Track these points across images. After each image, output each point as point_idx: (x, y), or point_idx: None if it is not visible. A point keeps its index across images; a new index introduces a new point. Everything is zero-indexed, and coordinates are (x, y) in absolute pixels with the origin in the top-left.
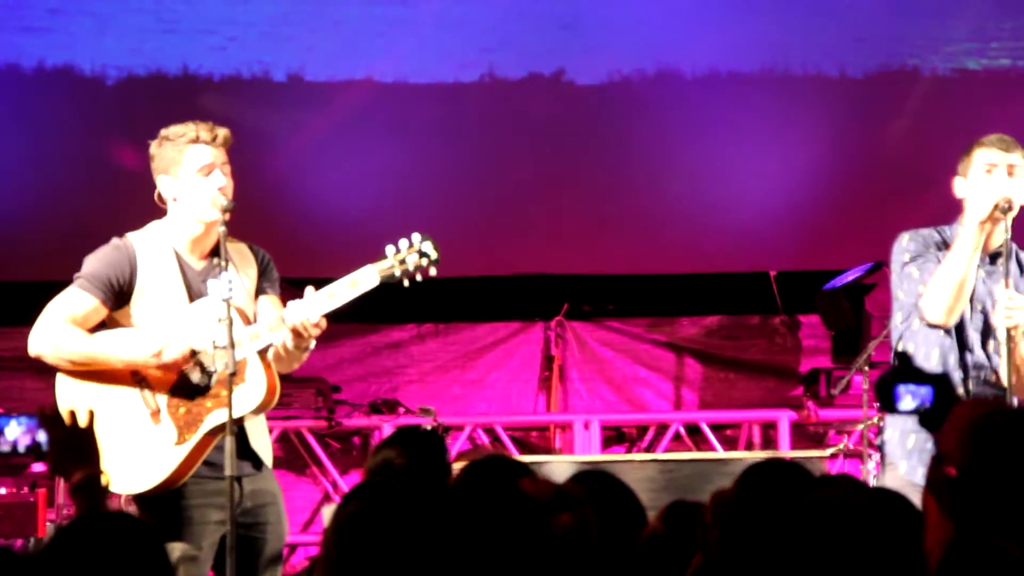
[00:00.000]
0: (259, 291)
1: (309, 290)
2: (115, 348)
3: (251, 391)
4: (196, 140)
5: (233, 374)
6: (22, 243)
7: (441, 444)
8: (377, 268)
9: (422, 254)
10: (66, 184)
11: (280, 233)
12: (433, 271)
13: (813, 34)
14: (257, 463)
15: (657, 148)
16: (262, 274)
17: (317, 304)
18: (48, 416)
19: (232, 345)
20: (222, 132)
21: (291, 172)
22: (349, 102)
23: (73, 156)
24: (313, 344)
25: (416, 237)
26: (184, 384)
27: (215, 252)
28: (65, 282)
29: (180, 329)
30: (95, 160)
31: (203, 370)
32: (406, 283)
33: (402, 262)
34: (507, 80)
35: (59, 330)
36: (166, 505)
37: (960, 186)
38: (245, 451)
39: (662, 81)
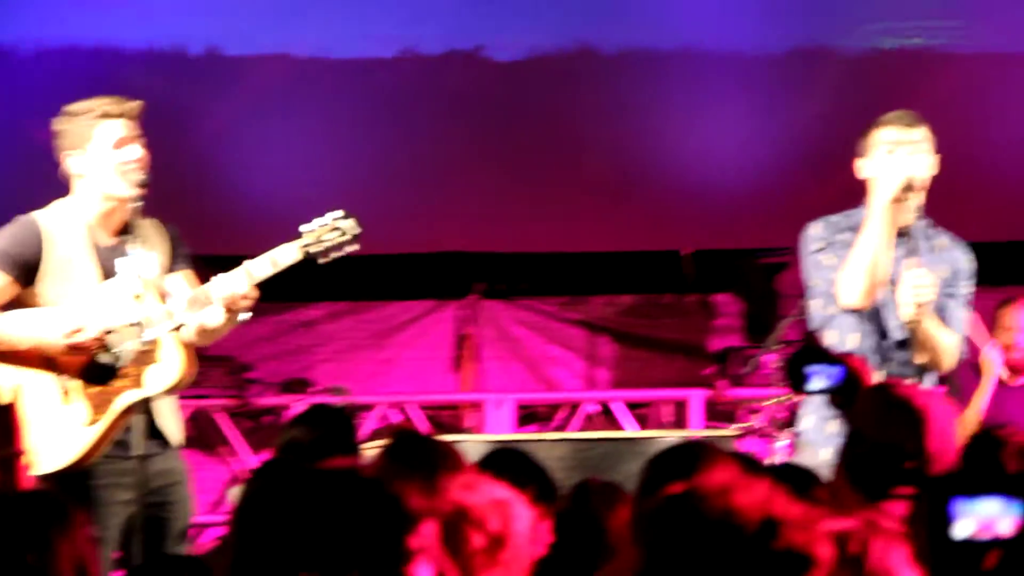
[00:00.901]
0: (170, 267)
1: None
2: (25, 329)
3: (165, 371)
4: (107, 115)
5: (146, 353)
6: None
7: (349, 423)
8: (298, 245)
9: (341, 232)
10: None
11: (199, 210)
12: (352, 248)
13: (729, 12)
14: (164, 442)
15: (574, 125)
16: (173, 249)
17: (240, 279)
18: None
19: (145, 324)
20: (132, 104)
21: (209, 148)
22: (266, 77)
23: None
24: (246, 316)
25: (336, 214)
26: (96, 364)
27: (126, 229)
28: None
29: (91, 309)
30: (7, 134)
31: (116, 350)
32: (324, 259)
33: (321, 240)
34: (426, 56)
35: None
36: (75, 485)
37: (863, 167)
38: (154, 430)
39: (580, 58)
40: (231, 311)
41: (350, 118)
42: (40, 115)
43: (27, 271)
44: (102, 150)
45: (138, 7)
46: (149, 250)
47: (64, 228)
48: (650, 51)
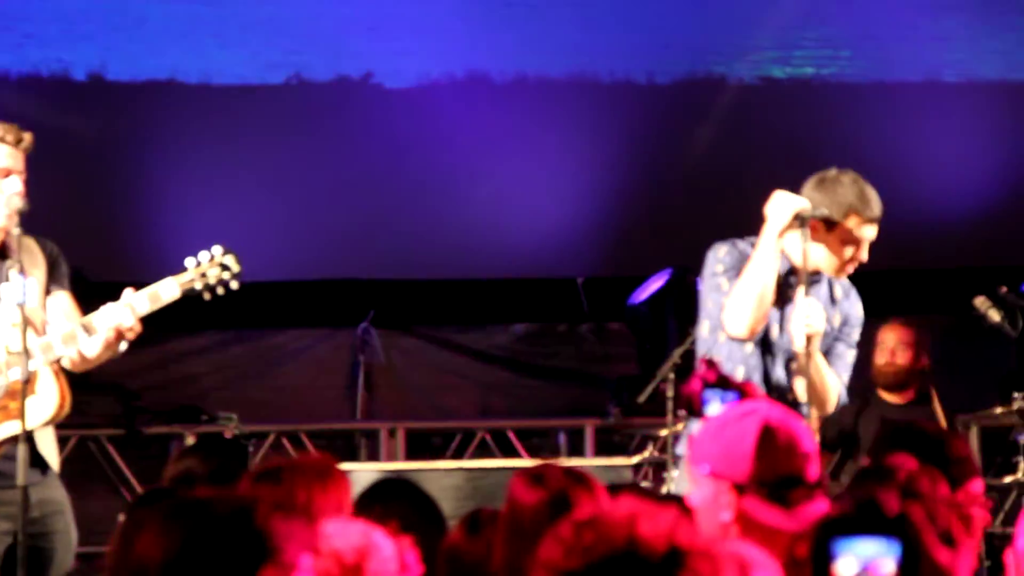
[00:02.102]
0: (48, 288)
1: (127, 292)
2: None
3: (42, 403)
4: (13, 144)
5: (26, 383)
6: None
7: (244, 452)
8: (178, 281)
9: (224, 267)
10: None
11: (82, 237)
12: (234, 284)
13: (621, 40)
14: (44, 469)
15: (466, 152)
16: (51, 269)
17: (122, 312)
18: None
19: (27, 352)
20: (27, 137)
21: (93, 174)
22: (152, 103)
23: None
24: (124, 347)
25: (217, 250)
26: None
27: (2, 252)
28: None
29: None
30: None
31: None
32: (207, 296)
33: (203, 275)
34: (314, 82)
35: None
36: None
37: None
38: (34, 458)
39: (471, 85)
40: (112, 343)
41: (238, 144)
42: None
43: None
44: None
45: (19, 30)
46: (29, 274)
47: None
48: (540, 78)
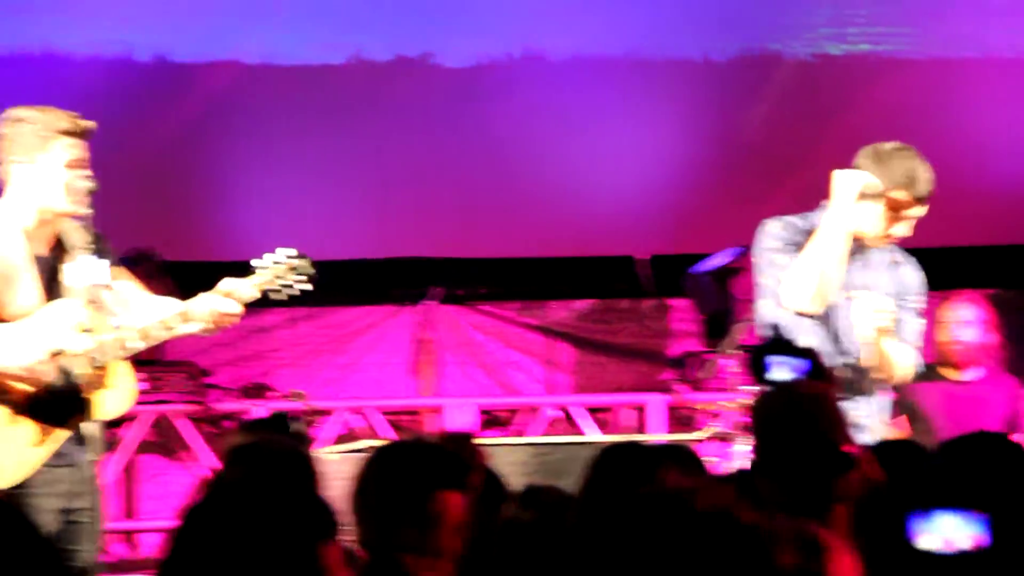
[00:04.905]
0: None
1: (224, 282)
2: None
3: (117, 398)
4: (67, 132)
5: (101, 368)
6: None
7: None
8: (252, 283)
9: (296, 270)
10: None
11: (149, 218)
12: (307, 287)
13: (677, 18)
14: (85, 451)
15: (525, 131)
16: (101, 253)
17: (228, 303)
18: None
19: (96, 350)
20: (91, 125)
21: (157, 154)
22: (214, 84)
23: None
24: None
25: (290, 252)
26: (46, 385)
27: (58, 239)
28: None
29: (40, 329)
30: None
31: (66, 372)
32: (276, 296)
33: (276, 277)
34: (374, 62)
35: None
36: (9, 496)
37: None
38: (78, 440)
39: (528, 64)
40: (210, 331)
41: (300, 125)
42: None
43: None
44: (54, 166)
45: (85, 14)
46: (99, 257)
47: (3, 235)
48: (597, 57)
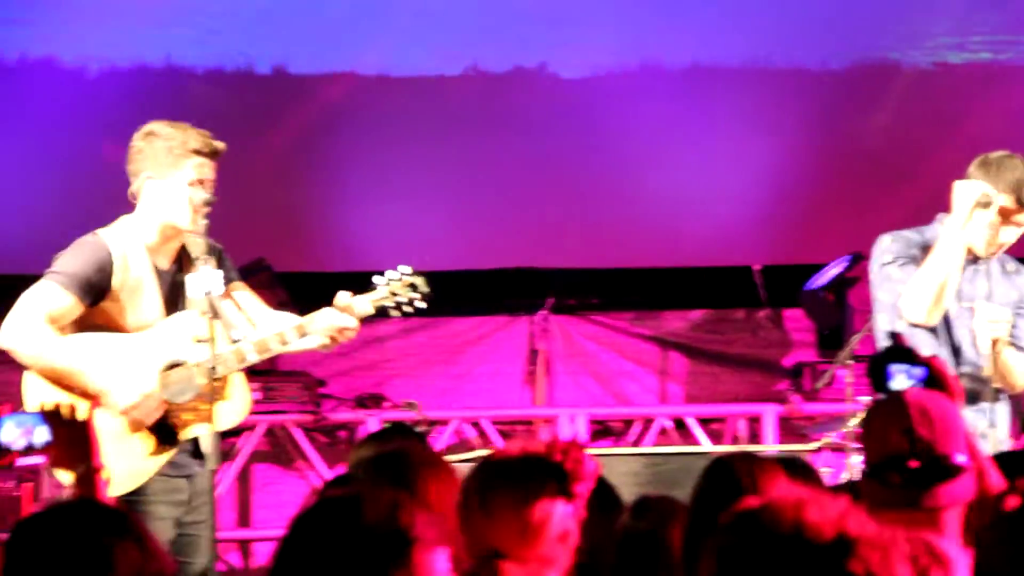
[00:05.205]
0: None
1: (341, 296)
2: (82, 376)
3: (232, 409)
4: (198, 152)
5: (219, 380)
6: (4, 235)
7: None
8: (371, 298)
9: (414, 288)
10: (47, 177)
11: (264, 227)
12: (422, 305)
13: (794, 27)
14: (202, 462)
15: (640, 141)
16: (219, 264)
17: (346, 319)
18: (50, 412)
19: (215, 362)
20: (222, 147)
21: (275, 166)
22: (332, 95)
23: (53, 149)
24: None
25: (406, 270)
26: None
27: (179, 254)
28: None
29: (158, 341)
30: (76, 153)
31: (182, 389)
32: (395, 314)
33: (394, 294)
34: (491, 73)
35: (37, 332)
36: (129, 503)
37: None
38: (194, 451)
39: (644, 74)
40: (328, 347)
41: (416, 136)
42: (109, 134)
43: (96, 294)
44: (183, 184)
45: (205, 26)
46: (214, 268)
47: (128, 250)
48: (713, 67)
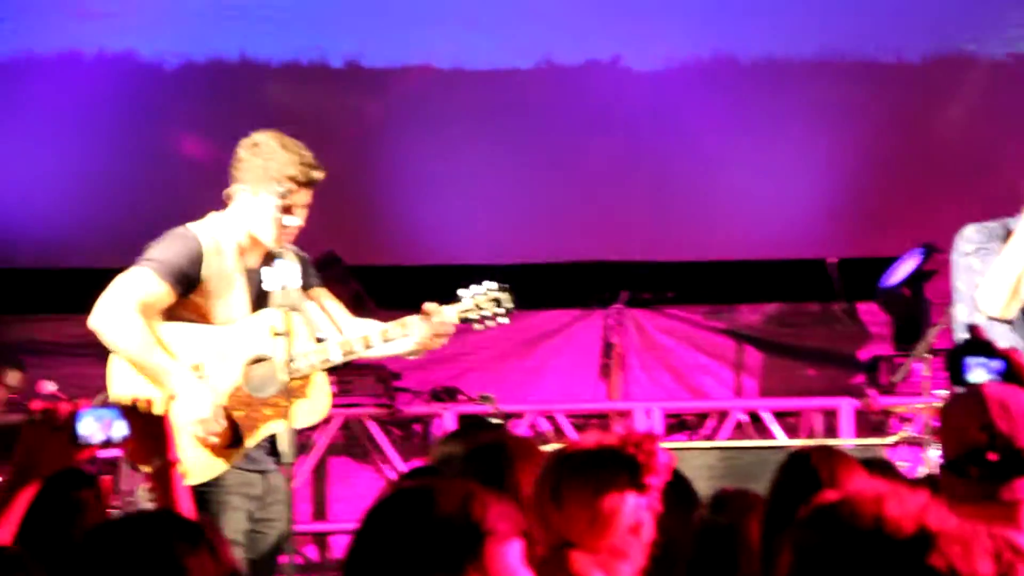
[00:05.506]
0: (306, 285)
1: (429, 306)
2: (164, 375)
3: (313, 407)
4: (294, 179)
5: (298, 376)
6: (81, 231)
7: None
8: (457, 310)
9: (498, 303)
10: (125, 171)
11: (337, 221)
12: (505, 320)
13: (869, 19)
14: (277, 459)
15: (714, 134)
16: (304, 272)
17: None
18: (127, 406)
19: (297, 359)
20: (319, 177)
21: (350, 159)
22: (406, 88)
23: (131, 143)
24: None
25: (491, 285)
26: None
27: (268, 253)
28: (121, 270)
29: (242, 336)
30: (153, 147)
31: (268, 379)
32: (479, 327)
33: (479, 307)
34: (564, 66)
35: (126, 318)
36: (204, 493)
37: None
38: (271, 448)
39: (718, 67)
40: (415, 354)
41: (490, 129)
42: (185, 128)
43: (187, 284)
44: (273, 205)
45: (280, 20)
46: (292, 262)
47: (219, 246)
48: (787, 59)
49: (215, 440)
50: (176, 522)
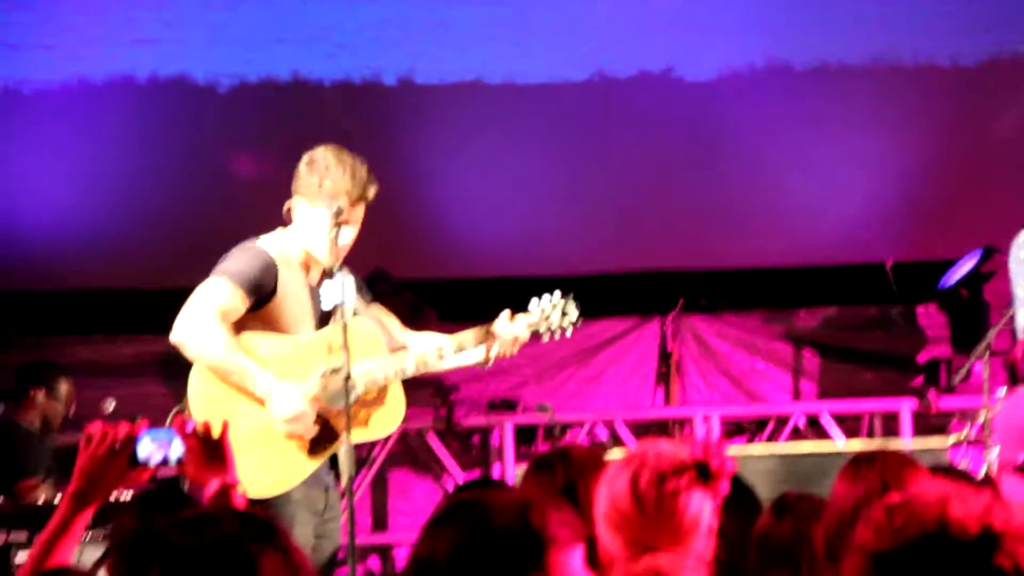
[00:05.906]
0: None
1: (502, 317)
2: (251, 378)
3: (388, 417)
4: (349, 194)
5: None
6: (140, 252)
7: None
8: (526, 321)
9: (566, 314)
10: (183, 193)
11: (393, 237)
12: (570, 331)
13: (924, 24)
14: (338, 475)
15: (768, 141)
16: (358, 292)
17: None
18: (185, 427)
19: (373, 372)
20: (372, 193)
21: (404, 177)
22: (459, 104)
23: (188, 165)
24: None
25: (557, 295)
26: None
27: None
28: (182, 290)
29: (313, 351)
30: (210, 168)
31: (343, 390)
32: (547, 338)
33: (547, 318)
34: (616, 78)
35: (209, 327)
36: (273, 507)
37: None
38: (332, 463)
39: (772, 74)
40: (485, 364)
41: (544, 141)
42: (239, 146)
43: (261, 295)
44: (326, 219)
45: (332, 40)
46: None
47: (287, 261)
48: (841, 65)
49: (312, 434)
50: (251, 521)
